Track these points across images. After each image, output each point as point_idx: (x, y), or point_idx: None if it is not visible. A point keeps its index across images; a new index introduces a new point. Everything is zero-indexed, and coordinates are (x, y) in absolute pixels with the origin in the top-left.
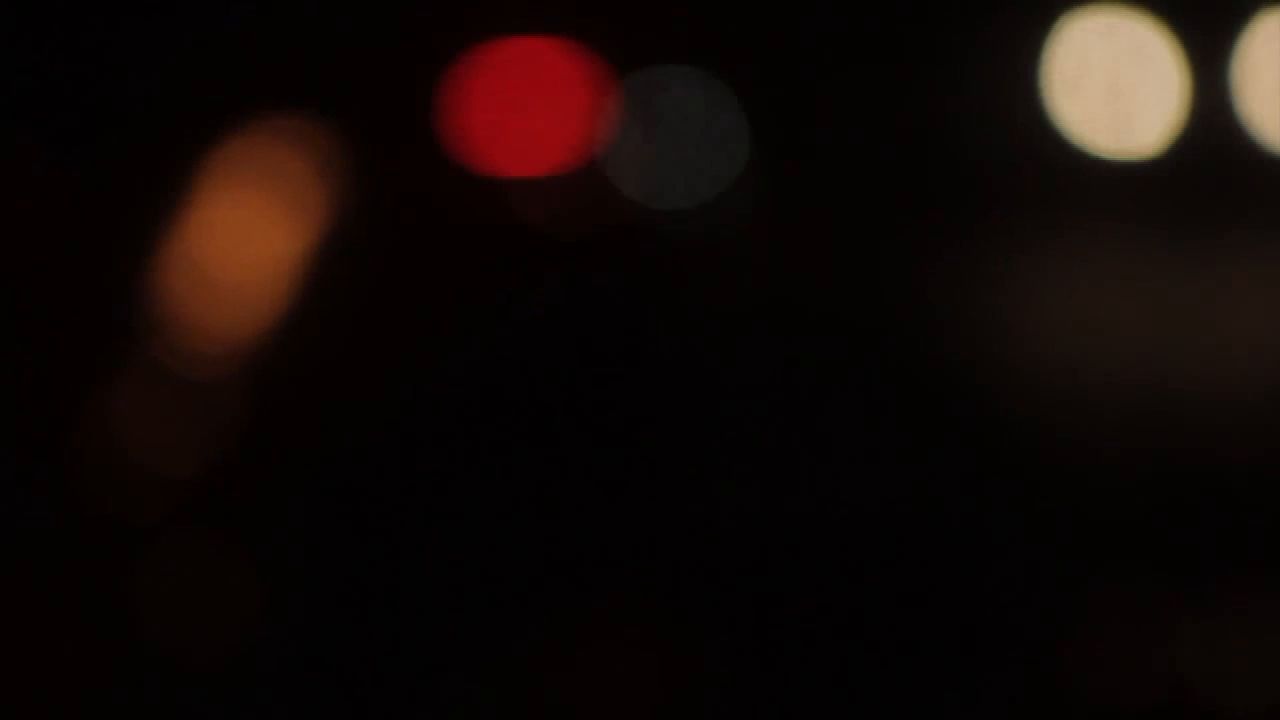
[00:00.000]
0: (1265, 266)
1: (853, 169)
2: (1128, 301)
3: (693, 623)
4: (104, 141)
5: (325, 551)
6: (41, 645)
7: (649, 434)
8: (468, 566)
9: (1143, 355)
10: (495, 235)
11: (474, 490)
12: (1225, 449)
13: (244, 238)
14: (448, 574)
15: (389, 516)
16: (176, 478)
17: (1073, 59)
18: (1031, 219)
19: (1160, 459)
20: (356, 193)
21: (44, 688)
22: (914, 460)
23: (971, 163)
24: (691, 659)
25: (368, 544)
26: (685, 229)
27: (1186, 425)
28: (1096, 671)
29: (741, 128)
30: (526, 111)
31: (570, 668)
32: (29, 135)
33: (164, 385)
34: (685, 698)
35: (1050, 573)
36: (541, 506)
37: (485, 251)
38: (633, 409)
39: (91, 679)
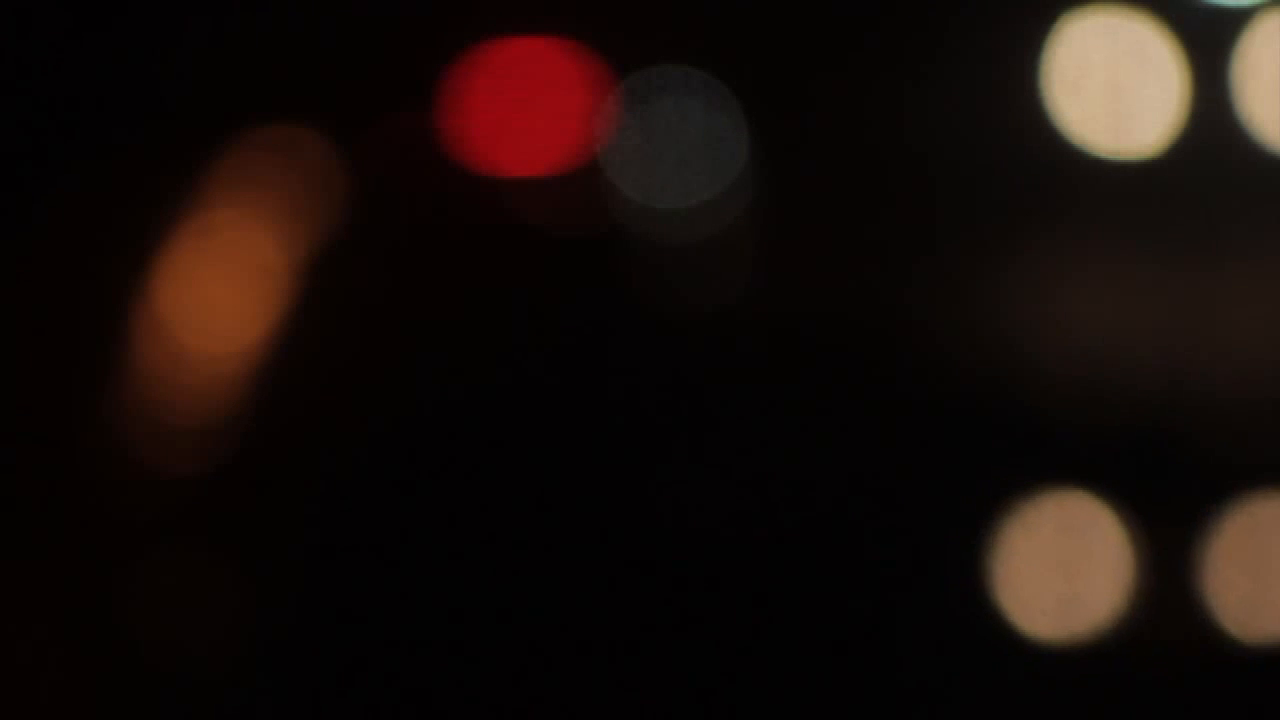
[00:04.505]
0: (1265, 266)
1: (852, 169)
2: (1127, 302)
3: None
4: (104, 143)
5: (324, 554)
6: (40, 646)
7: (645, 434)
8: (468, 571)
9: (1141, 355)
10: (495, 235)
11: (474, 494)
12: (1226, 449)
13: (244, 239)
14: (447, 578)
15: (388, 520)
16: (176, 479)
17: (1073, 59)
18: (1031, 219)
19: (1160, 459)
20: (355, 193)
21: (42, 688)
22: (911, 461)
23: (971, 163)
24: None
25: (367, 547)
26: (685, 229)
27: (1186, 424)
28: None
29: (741, 128)
30: (526, 111)
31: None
32: (29, 139)
33: (164, 387)
34: None
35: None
36: (542, 509)
37: (485, 252)
38: (630, 408)
39: (89, 680)
